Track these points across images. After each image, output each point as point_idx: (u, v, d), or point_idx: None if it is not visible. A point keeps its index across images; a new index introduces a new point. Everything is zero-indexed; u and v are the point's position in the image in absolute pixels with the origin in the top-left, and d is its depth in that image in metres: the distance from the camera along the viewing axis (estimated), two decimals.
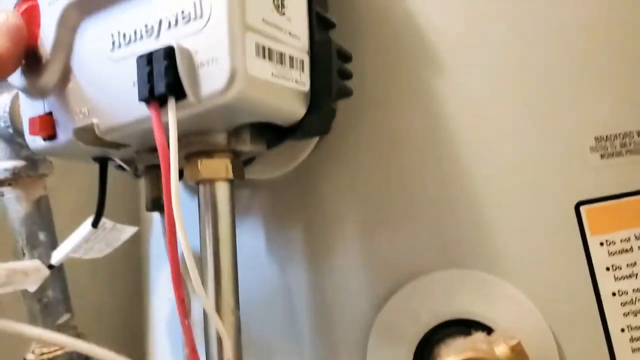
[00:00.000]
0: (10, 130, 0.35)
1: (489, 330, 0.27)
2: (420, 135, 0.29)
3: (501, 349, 0.25)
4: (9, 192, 0.38)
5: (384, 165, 0.30)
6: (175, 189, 0.20)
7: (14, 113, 0.34)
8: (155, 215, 0.40)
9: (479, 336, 0.26)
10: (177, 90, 0.20)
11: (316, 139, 0.31)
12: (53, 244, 0.39)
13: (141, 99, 0.21)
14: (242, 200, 0.33)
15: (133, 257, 0.44)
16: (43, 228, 0.39)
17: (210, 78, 0.20)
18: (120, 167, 0.32)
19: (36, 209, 0.38)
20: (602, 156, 0.28)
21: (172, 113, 0.20)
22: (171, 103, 0.20)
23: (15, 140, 0.36)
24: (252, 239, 0.33)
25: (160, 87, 0.20)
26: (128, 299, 0.49)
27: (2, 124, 0.35)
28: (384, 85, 0.30)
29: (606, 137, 0.29)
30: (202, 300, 0.21)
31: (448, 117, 0.29)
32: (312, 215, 0.31)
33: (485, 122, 0.29)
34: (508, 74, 0.29)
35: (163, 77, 0.20)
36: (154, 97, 0.21)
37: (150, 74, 0.21)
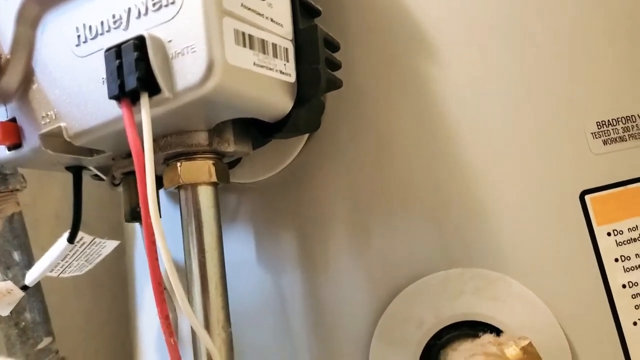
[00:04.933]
0: None
1: (496, 331, 0.26)
2: (415, 129, 0.28)
3: (512, 351, 0.24)
4: None
5: (377, 162, 0.28)
6: (152, 191, 0.18)
7: None
8: (138, 226, 0.38)
9: (487, 338, 0.25)
10: (150, 85, 0.19)
11: (304, 138, 0.29)
12: (29, 264, 0.36)
13: (111, 96, 0.19)
14: (228, 205, 0.31)
15: (118, 271, 0.42)
16: (17, 247, 0.36)
17: (186, 69, 0.18)
18: (96, 176, 0.29)
19: (9, 227, 0.36)
20: (605, 142, 0.27)
21: (145, 109, 0.18)
22: (144, 98, 0.18)
23: None
24: (241, 246, 0.31)
25: (131, 82, 0.18)
26: (114, 318, 0.46)
27: None
28: (375, 76, 0.28)
29: (608, 121, 0.27)
30: (188, 317, 0.19)
31: (443, 108, 0.27)
32: (304, 218, 0.29)
33: (482, 112, 0.27)
34: (504, 61, 0.27)
35: (134, 70, 0.18)
36: (124, 94, 0.19)
37: (120, 69, 0.19)
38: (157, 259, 0.19)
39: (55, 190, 0.46)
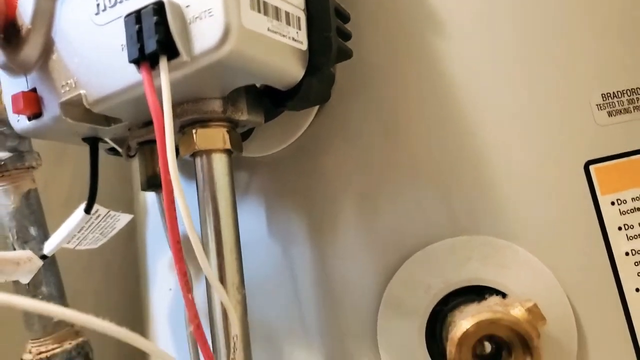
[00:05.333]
0: None
1: (502, 295, 0.26)
2: (424, 100, 0.28)
3: (517, 311, 0.24)
4: None
5: (385, 133, 0.29)
6: (172, 149, 0.18)
7: None
8: (151, 202, 0.39)
9: (493, 300, 0.25)
10: (169, 48, 0.19)
11: (313, 111, 0.30)
12: (45, 239, 0.37)
13: (131, 60, 0.20)
14: (240, 180, 0.32)
15: (130, 249, 0.43)
16: (34, 222, 0.37)
17: (204, 33, 0.19)
18: (111, 149, 0.30)
19: (25, 203, 0.37)
20: (609, 114, 0.28)
21: (164, 73, 0.19)
22: (163, 62, 0.19)
23: None
24: (252, 220, 0.32)
25: (151, 45, 0.19)
26: (126, 293, 0.47)
27: None
28: (385, 51, 0.29)
29: (613, 93, 0.28)
30: (205, 270, 0.20)
31: (451, 79, 0.28)
32: (313, 190, 0.30)
33: (489, 83, 0.28)
34: (512, 34, 0.28)
35: (153, 34, 0.19)
36: (144, 57, 0.19)
37: (140, 33, 0.19)
38: (175, 218, 0.20)
39: (66, 177, 0.47)
